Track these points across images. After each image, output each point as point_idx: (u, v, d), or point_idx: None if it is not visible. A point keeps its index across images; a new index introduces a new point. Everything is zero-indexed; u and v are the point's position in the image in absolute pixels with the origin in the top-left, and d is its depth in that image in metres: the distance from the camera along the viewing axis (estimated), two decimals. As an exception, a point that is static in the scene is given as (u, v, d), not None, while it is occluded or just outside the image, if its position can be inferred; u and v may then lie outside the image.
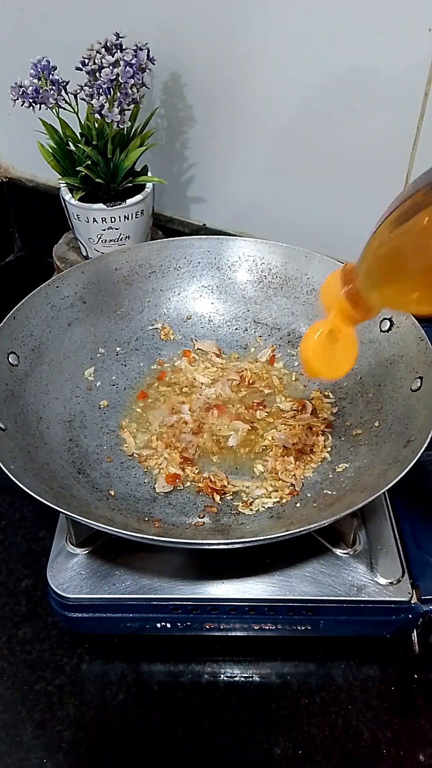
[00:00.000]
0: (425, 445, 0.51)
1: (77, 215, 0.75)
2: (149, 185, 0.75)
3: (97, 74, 0.67)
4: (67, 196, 0.74)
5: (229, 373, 0.68)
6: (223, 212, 0.87)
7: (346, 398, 0.65)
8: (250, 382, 0.67)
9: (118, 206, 0.73)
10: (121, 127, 0.69)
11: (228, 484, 0.58)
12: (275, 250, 0.71)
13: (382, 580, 0.53)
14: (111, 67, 0.66)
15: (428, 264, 0.39)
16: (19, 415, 0.58)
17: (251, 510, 0.57)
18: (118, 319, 0.70)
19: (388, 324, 0.63)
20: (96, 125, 0.70)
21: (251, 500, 0.58)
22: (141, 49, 0.67)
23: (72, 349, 0.66)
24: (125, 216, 0.74)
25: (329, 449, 0.61)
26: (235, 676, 0.56)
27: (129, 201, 0.73)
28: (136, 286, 0.71)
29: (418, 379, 0.58)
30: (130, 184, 0.75)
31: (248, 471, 0.60)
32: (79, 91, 0.69)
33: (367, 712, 0.53)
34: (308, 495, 0.57)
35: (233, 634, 0.56)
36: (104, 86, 0.66)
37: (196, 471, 0.60)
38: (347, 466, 0.59)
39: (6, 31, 0.85)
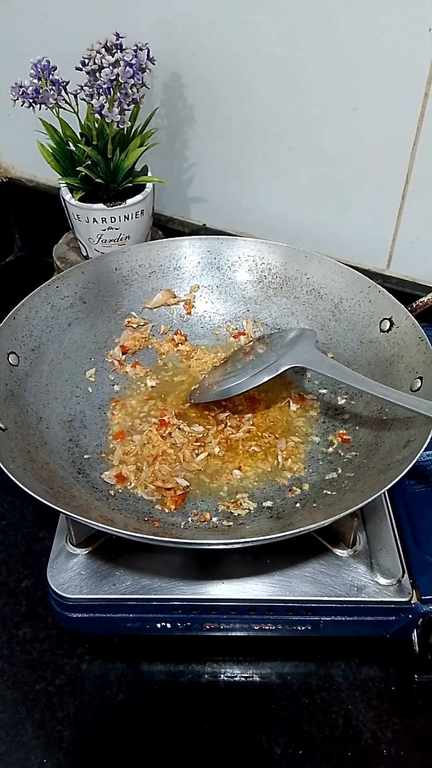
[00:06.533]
0: (425, 445, 0.51)
1: (77, 215, 0.75)
2: (149, 185, 0.75)
3: (97, 74, 0.67)
4: (67, 196, 0.74)
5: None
6: (223, 212, 0.87)
7: (346, 398, 0.64)
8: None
9: (118, 206, 0.73)
10: (121, 127, 0.69)
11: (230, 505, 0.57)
12: (275, 250, 0.71)
13: (382, 580, 0.53)
14: (111, 67, 0.66)
15: None
16: (19, 415, 0.58)
17: (251, 510, 0.57)
18: (118, 319, 0.70)
19: (388, 324, 0.63)
20: (96, 125, 0.70)
21: (251, 500, 0.58)
22: (141, 49, 0.67)
23: (72, 349, 0.66)
24: (125, 216, 0.74)
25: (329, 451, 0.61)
26: (235, 676, 0.56)
27: (129, 201, 0.73)
28: (136, 286, 0.71)
29: (418, 379, 0.58)
30: (130, 184, 0.75)
31: (245, 476, 0.60)
32: (79, 91, 0.69)
33: (367, 712, 0.53)
34: (308, 495, 0.57)
35: (233, 634, 0.56)
36: (104, 86, 0.66)
37: (194, 507, 0.57)
38: (347, 466, 0.59)
39: (6, 32, 0.85)
